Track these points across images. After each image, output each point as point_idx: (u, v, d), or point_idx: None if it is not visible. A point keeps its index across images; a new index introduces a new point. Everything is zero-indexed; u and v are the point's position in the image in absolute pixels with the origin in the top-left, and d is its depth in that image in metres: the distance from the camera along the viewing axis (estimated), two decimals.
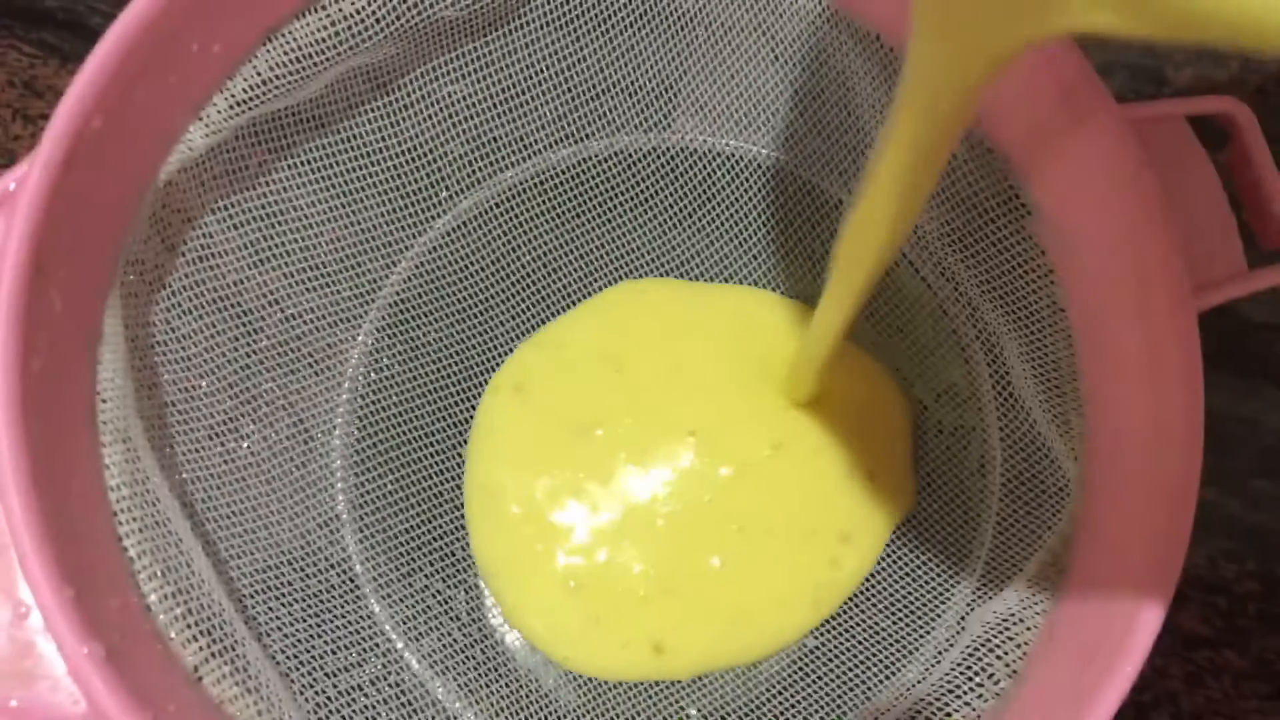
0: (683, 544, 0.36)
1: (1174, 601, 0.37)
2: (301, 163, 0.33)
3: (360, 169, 0.35)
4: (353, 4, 0.30)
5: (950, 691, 0.30)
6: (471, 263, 0.38)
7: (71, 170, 0.25)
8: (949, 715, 0.29)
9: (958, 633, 0.32)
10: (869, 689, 0.34)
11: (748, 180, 0.38)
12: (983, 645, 0.29)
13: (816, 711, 0.34)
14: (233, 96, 0.29)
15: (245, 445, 0.33)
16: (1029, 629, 0.29)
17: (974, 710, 0.29)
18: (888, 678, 0.33)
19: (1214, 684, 0.36)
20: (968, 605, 0.33)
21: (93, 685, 0.23)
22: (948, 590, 0.34)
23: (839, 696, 0.34)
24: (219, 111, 0.29)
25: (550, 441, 0.37)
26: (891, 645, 0.34)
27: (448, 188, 0.37)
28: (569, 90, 0.37)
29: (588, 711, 0.35)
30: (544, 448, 0.37)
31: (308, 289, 0.35)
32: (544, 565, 0.36)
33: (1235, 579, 0.37)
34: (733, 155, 0.38)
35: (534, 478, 0.37)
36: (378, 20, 0.31)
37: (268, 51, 0.29)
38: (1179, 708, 0.36)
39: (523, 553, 0.36)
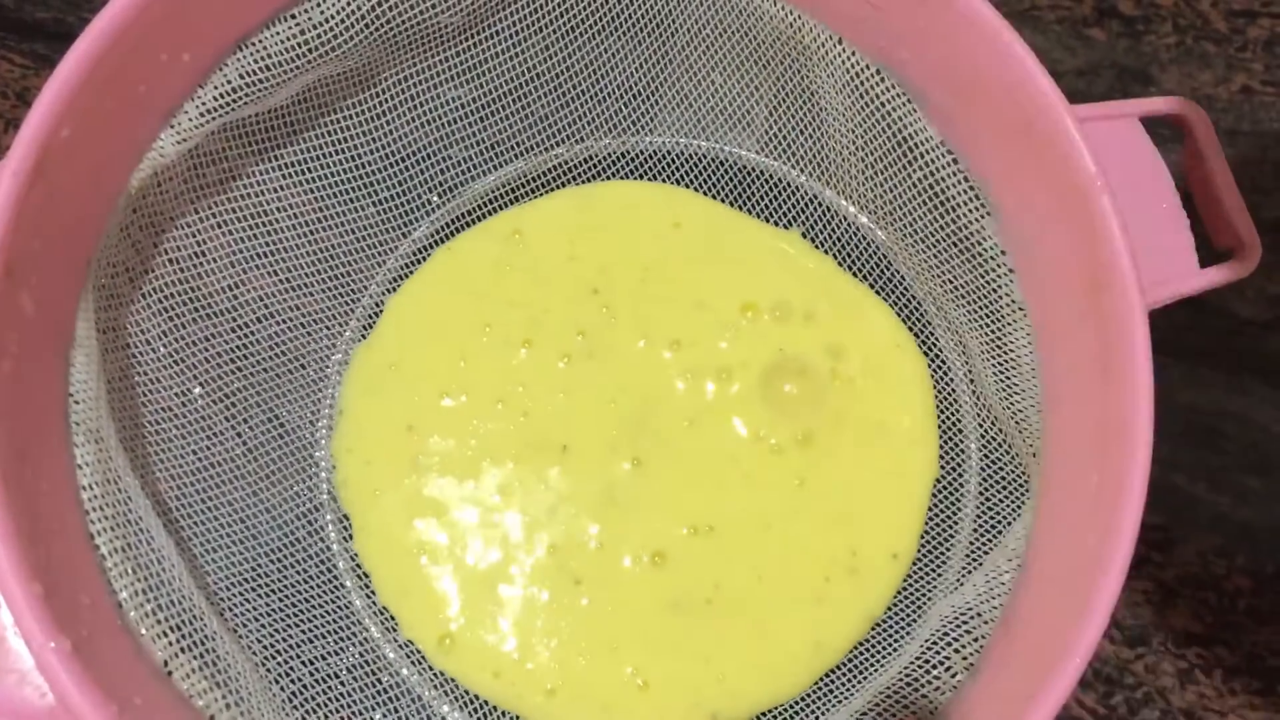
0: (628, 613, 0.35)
1: (1165, 598, 0.37)
2: (275, 168, 0.34)
3: (335, 175, 0.35)
4: (322, 12, 0.31)
5: (909, 685, 0.30)
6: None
7: (41, 178, 0.25)
8: (905, 708, 0.30)
9: (919, 627, 0.32)
10: (843, 689, 0.34)
11: (720, 180, 0.39)
12: (941, 639, 0.30)
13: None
14: (204, 104, 0.30)
15: (220, 444, 0.33)
16: (986, 623, 0.29)
17: (930, 703, 0.29)
18: (864, 677, 0.34)
19: (1205, 680, 0.36)
20: (933, 602, 0.33)
21: (58, 679, 0.23)
22: (927, 591, 0.34)
23: (812, 694, 0.34)
24: (190, 119, 0.30)
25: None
26: (869, 647, 0.34)
27: (424, 194, 0.38)
28: (543, 96, 0.37)
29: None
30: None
31: (283, 291, 0.35)
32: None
33: (1225, 575, 0.37)
34: (705, 156, 0.38)
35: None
36: (348, 28, 0.31)
37: (238, 60, 0.30)
38: (1170, 704, 0.36)
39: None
